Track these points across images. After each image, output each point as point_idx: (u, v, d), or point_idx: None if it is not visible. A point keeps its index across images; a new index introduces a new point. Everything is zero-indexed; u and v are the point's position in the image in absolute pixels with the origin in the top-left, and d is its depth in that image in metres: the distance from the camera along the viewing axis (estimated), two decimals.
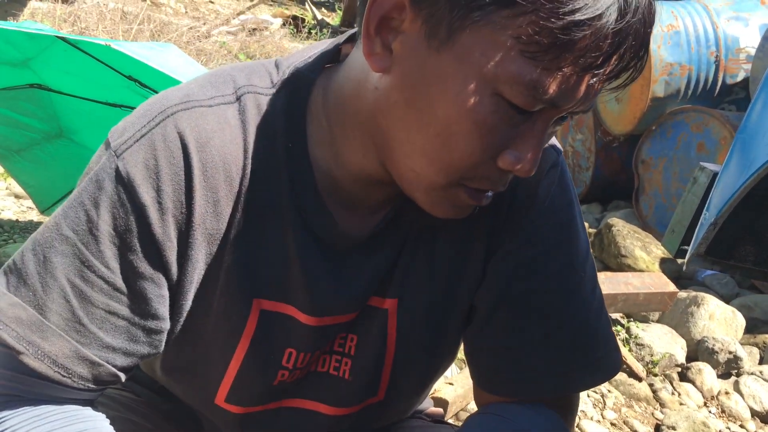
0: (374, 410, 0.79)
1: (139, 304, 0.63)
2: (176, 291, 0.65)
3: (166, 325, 0.66)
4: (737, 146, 1.00)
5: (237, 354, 0.70)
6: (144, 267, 0.62)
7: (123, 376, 0.66)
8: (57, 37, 1.77)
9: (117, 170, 0.60)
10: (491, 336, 0.74)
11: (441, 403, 1.74)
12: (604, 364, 0.73)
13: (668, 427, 1.99)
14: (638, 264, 3.11)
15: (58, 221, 0.62)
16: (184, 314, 0.67)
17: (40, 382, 0.62)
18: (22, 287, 0.61)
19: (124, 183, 0.60)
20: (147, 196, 0.60)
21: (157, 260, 0.63)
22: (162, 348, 0.67)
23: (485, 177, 0.59)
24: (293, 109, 0.65)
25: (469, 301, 0.75)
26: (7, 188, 2.64)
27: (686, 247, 1.09)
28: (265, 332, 0.69)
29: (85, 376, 0.63)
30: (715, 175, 1.07)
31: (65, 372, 0.62)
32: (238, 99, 0.65)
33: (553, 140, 0.73)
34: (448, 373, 1.95)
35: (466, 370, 1.91)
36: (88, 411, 0.66)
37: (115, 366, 0.64)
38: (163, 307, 0.65)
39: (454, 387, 1.78)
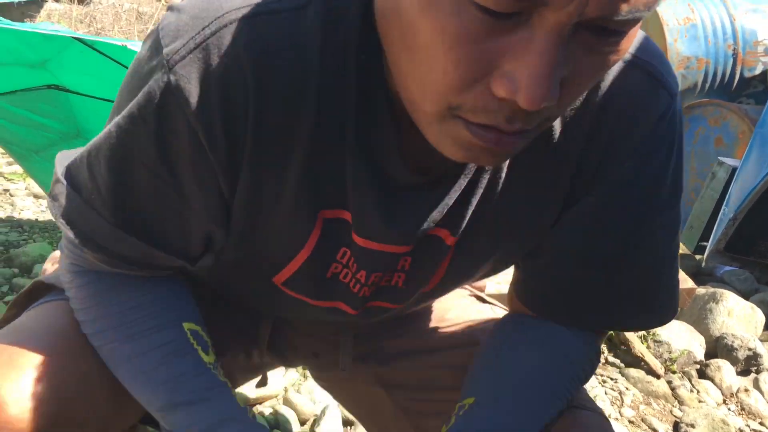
0: (419, 297, 0.82)
1: (192, 210, 0.65)
2: (233, 207, 0.65)
3: (221, 234, 0.68)
4: (756, 141, 0.98)
5: (295, 261, 0.72)
6: (197, 183, 0.62)
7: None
8: (73, 38, 1.79)
9: (168, 84, 0.56)
10: (549, 267, 0.74)
11: None
12: (660, 310, 0.74)
13: (687, 425, 1.97)
14: None
15: (110, 130, 0.62)
16: (243, 228, 0.68)
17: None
18: (79, 191, 0.66)
19: (177, 99, 0.56)
20: (202, 114, 0.56)
21: (211, 179, 0.62)
22: (212, 259, 0.72)
23: (482, 108, 0.47)
24: (368, 13, 0.55)
25: (535, 243, 0.74)
26: (26, 188, 2.67)
27: (705, 243, 1.08)
28: (326, 237, 0.70)
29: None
30: (734, 170, 1.06)
31: (129, 269, 0.70)
32: (308, 3, 0.56)
33: (670, 75, 0.64)
34: None
35: None
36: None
37: (173, 267, 0.71)
38: (216, 219, 0.66)
39: None
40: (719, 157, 1.04)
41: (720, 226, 0.94)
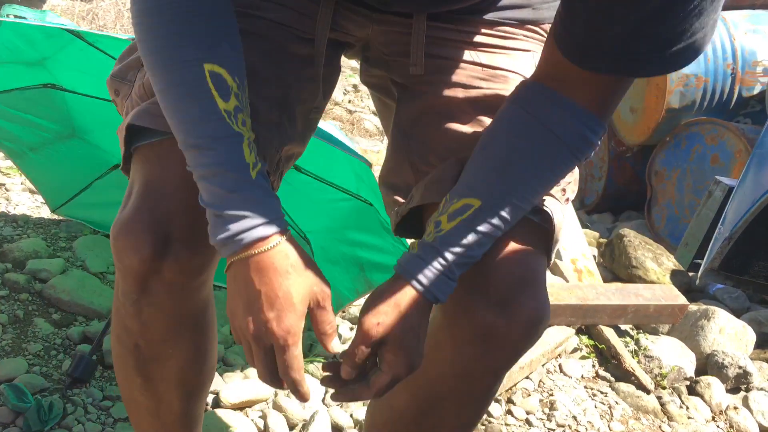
0: None
1: None
2: None
3: None
4: (754, 161, 0.99)
5: None
6: None
7: None
8: (74, 34, 1.79)
9: None
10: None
11: None
12: (678, 57, 0.73)
13: None
14: (649, 275, 3.09)
15: None
16: None
17: None
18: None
19: None
20: None
21: None
22: None
23: None
24: None
25: None
26: (22, 183, 2.66)
27: (699, 260, 1.09)
28: None
29: None
30: (731, 189, 1.07)
31: None
32: None
33: None
34: None
35: None
36: None
37: None
38: None
39: None
40: (716, 176, 1.05)
41: (715, 244, 0.95)
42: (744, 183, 0.97)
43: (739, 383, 2.40)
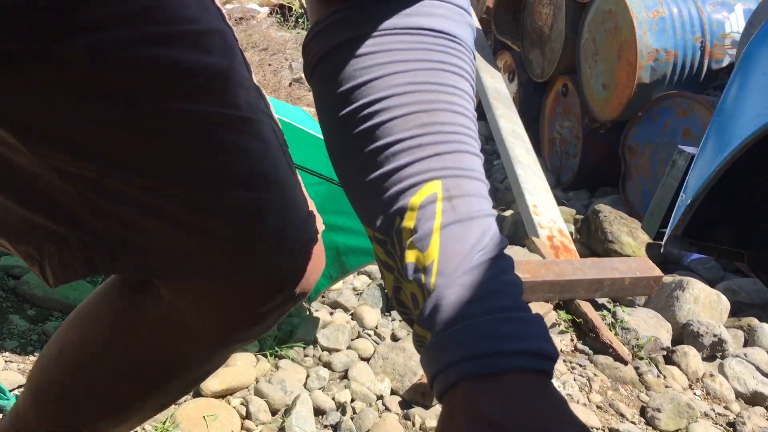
0: None
1: None
2: None
3: None
4: (713, 129, 1.01)
5: None
6: None
7: None
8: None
9: None
10: None
11: (428, 388, 1.75)
12: None
13: (653, 410, 2.01)
14: (625, 249, 3.14)
15: None
16: None
17: None
18: None
19: None
20: None
21: None
22: None
23: None
24: None
25: None
26: None
27: (665, 230, 1.10)
28: None
29: None
30: (693, 157, 1.08)
31: None
32: None
33: None
34: None
35: None
36: None
37: None
38: None
39: None
40: (679, 146, 1.06)
41: (678, 212, 0.96)
42: (704, 150, 0.98)
43: (715, 351, 2.45)
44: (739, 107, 0.90)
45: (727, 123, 0.91)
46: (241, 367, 1.75)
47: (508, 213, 3.49)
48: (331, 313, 2.12)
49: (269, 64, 5.15)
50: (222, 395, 1.66)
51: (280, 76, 5.04)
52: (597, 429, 1.90)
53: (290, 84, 5.09)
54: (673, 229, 1.00)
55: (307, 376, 1.80)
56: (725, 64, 3.70)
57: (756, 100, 0.87)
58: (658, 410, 2.01)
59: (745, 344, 2.59)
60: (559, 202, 3.94)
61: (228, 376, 1.68)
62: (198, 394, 1.63)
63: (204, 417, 1.56)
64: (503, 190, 3.98)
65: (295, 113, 1.76)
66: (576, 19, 4.18)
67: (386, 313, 2.19)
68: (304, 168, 1.90)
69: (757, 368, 2.39)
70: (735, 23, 3.67)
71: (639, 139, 3.73)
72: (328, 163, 1.85)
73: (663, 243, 1.21)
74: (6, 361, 1.62)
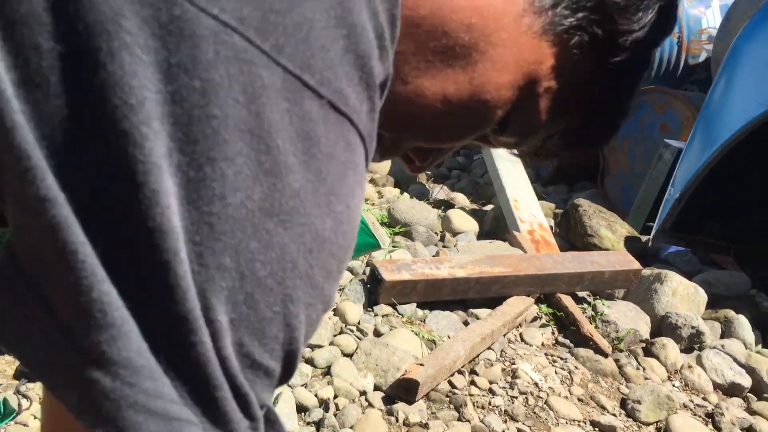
0: None
1: None
2: None
3: None
4: (701, 124, 1.01)
5: None
6: None
7: None
8: None
9: None
10: None
11: (411, 384, 1.74)
12: None
13: (633, 401, 2.03)
14: (603, 243, 3.16)
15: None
16: None
17: None
18: None
19: None
20: None
21: None
22: None
23: None
24: None
25: None
26: None
27: (651, 223, 1.10)
28: None
29: None
30: (680, 152, 1.09)
31: None
32: None
33: None
34: (417, 353, 1.96)
35: (436, 353, 1.92)
36: None
37: None
38: None
39: (425, 368, 1.79)
40: (666, 140, 1.06)
41: (666, 206, 0.96)
42: (692, 144, 0.99)
43: (693, 343, 2.48)
44: (728, 101, 0.90)
45: (715, 117, 0.92)
46: None
47: (488, 208, 3.49)
48: None
49: None
50: None
51: None
52: (578, 422, 1.92)
53: None
54: (662, 223, 1.00)
55: None
56: (701, 59, 3.74)
57: (744, 94, 0.88)
58: (639, 402, 2.03)
59: (722, 336, 2.63)
60: (539, 197, 3.96)
61: None
62: None
63: None
64: (483, 184, 3.98)
65: None
66: None
67: (369, 309, 2.18)
68: None
69: (734, 359, 2.42)
70: (711, 19, 3.72)
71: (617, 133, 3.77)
72: None
73: (651, 237, 1.22)
74: None
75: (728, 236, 0.97)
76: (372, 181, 3.79)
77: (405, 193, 3.69)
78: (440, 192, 3.84)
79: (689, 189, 0.90)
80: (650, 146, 3.57)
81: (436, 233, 2.89)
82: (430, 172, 4.21)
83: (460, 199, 3.85)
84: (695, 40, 3.70)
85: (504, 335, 2.22)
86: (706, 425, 2.04)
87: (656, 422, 2.00)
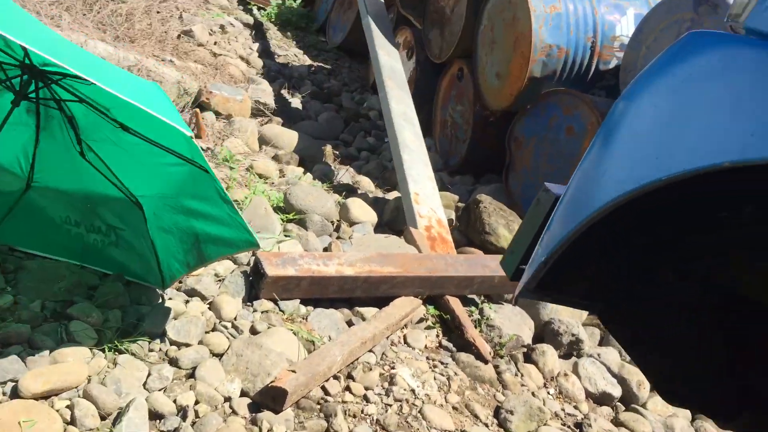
0: None
1: None
2: None
3: None
4: (576, 178, 0.97)
5: None
6: None
7: None
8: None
9: None
10: None
11: (278, 393, 1.66)
12: None
13: (507, 411, 2.05)
14: (500, 242, 3.18)
15: None
16: None
17: None
18: None
19: None
20: None
21: None
22: None
23: None
24: None
25: None
26: None
27: (524, 266, 1.07)
28: None
29: None
30: (557, 199, 1.04)
31: None
32: None
33: None
34: (293, 356, 1.88)
35: (311, 358, 1.84)
36: None
37: None
38: None
39: (297, 375, 1.72)
40: (545, 183, 1.02)
41: (532, 266, 0.93)
42: (563, 203, 0.95)
43: (572, 350, 2.54)
44: (604, 164, 0.86)
45: (590, 179, 0.88)
46: (71, 364, 1.58)
47: (392, 196, 3.43)
48: (187, 302, 1.97)
49: (157, 12, 4.76)
50: (45, 396, 1.49)
51: (168, 26, 4.67)
52: (450, 431, 1.90)
53: (179, 36, 4.74)
54: (526, 284, 0.97)
55: (149, 374, 1.66)
56: (612, 65, 3.80)
57: (621, 161, 0.84)
58: (511, 413, 2.04)
59: (601, 342, 2.71)
60: (444, 187, 3.94)
61: (53, 374, 1.51)
62: (16, 395, 1.46)
63: (19, 423, 1.40)
64: (391, 169, 3.92)
65: (151, 93, 1.59)
66: (478, 4, 4.14)
67: (248, 304, 2.07)
68: (162, 146, 1.73)
69: (608, 369, 2.50)
70: (625, 27, 3.77)
71: (525, 131, 3.78)
72: (192, 146, 1.69)
73: (514, 295, 1.19)
74: None
75: (593, 295, 0.95)
76: (276, 157, 3.64)
77: (308, 173, 3.57)
78: (345, 174, 3.75)
79: (554, 254, 0.86)
80: (555, 148, 3.61)
81: (332, 222, 2.80)
82: (337, 152, 4.10)
83: (365, 183, 3.77)
84: (608, 46, 3.74)
85: (387, 337, 2.17)
86: None
87: None
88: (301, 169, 3.62)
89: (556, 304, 1.47)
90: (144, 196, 1.88)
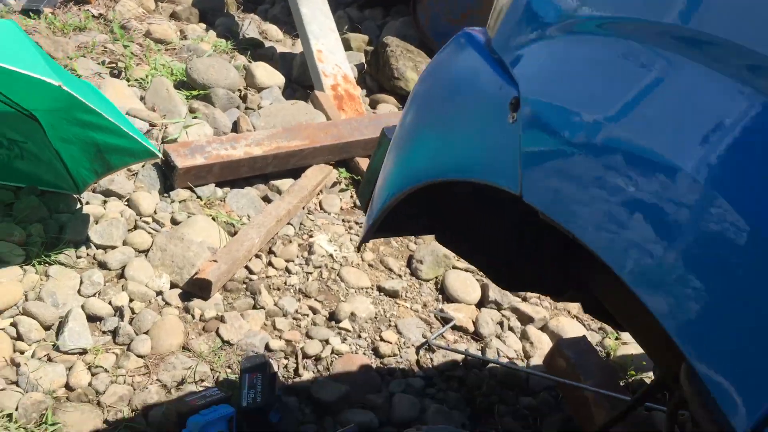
0: None
1: None
2: None
3: None
4: (396, 142, 1.04)
5: None
6: None
7: None
8: None
9: None
10: None
11: (204, 283, 1.84)
12: None
13: (417, 261, 2.30)
14: (409, 85, 3.26)
15: None
16: None
17: None
18: None
19: None
20: None
21: None
22: None
23: None
24: None
25: None
26: None
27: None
28: None
29: None
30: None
31: None
32: None
33: None
34: (215, 242, 2.03)
35: (231, 245, 2.00)
36: None
37: None
38: None
39: (218, 264, 1.88)
40: (384, 128, 1.07)
41: (368, 220, 1.02)
42: (388, 165, 1.02)
43: None
44: (418, 137, 0.93)
45: (406, 146, 0.95)
46: (5, 284, 1.70)
47: (299, 47, 3.38)
48: (105, 203, 2.06)
49: None
50: None
51: None
52: (367, 289, 2.15)
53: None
54: (364, 236, 1.08)
55: (81, 281, 1.80)
56: None
57: (431, 141, 0.91)
58: (421, 262, 2.30)
59: None
60: (353, 26, 3.89)
61: None
62: None
63: None
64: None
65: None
66: None
67: (165, 195, 2.17)
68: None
69: None
70: None
71: None
72: (66, 94, 1.67)
73: (358, 245, 1.32)
74: None
75: (434, 229, 1.07)
76: (174, 15, 3.47)
77: (210, 30, 3.44)
78: (251, 26, 3.63)
79: (379, 219, 0.96)
80: None
81: (239, 90, 2.81)
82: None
83: (273, 31, 3.67)
84: None
85: (303, 207, 2.34)
86: (475, 277, 2.38)
87: (435, 278, 2.30)
88: (203, 26, 3.48)
89: (399, 235, 1.63)
90: (37, 110, 1.87)
